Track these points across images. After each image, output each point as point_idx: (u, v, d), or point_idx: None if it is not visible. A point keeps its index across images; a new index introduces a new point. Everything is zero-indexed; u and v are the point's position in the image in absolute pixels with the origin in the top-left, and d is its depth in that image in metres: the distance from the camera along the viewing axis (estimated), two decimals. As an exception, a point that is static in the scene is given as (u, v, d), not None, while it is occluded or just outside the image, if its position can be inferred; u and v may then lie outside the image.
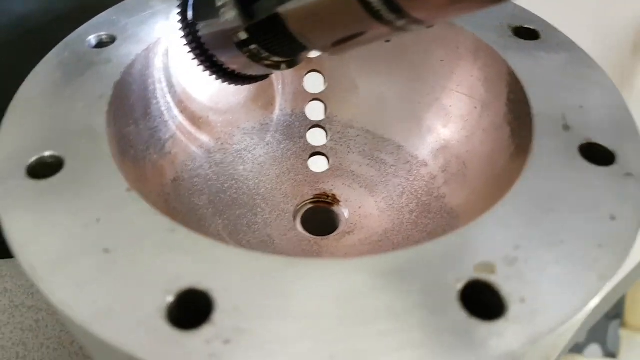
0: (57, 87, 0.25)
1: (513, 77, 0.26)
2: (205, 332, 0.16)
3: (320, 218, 0.35)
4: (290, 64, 0.25)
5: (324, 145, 0.36)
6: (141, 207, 0.20)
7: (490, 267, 0.19)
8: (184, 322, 0.17)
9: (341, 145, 0.36)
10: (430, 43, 0.31)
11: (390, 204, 0.33)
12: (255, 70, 0.26)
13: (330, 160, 0.36)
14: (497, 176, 0.27)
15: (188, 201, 0.29)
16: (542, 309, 0.17)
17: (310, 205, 0.35)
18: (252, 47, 0.23)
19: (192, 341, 0.16)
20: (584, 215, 0.20)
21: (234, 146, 0.34)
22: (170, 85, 0.30)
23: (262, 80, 0.28)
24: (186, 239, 0.19)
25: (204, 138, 0.32)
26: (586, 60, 0.27)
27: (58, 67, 0.26)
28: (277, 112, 0.35)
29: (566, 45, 0.28)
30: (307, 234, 0.33)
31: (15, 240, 0.19)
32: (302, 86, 0.36)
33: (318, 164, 0.36)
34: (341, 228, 0.33)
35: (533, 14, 0.30)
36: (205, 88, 0.32)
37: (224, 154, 0.33)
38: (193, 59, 0.25)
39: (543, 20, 0.30)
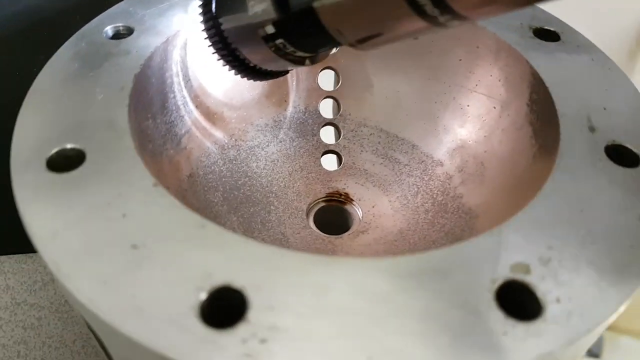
0: (75, 78, 0.24)
1: (536, 77, 0.26)
2: (241, 331, 0.16)
3: (333, 216, 0.34)
4: (314, 60, 0.25)
5: (337, 143, 0.36)
6: (169, 202, 0.19)
7: (525, 267, 0.18)
8: (217, 321, 0.16)
9: (354, 143, 0.35)
10: (449, 42, 0.31)
11: (405, 204, 0.33)
12: (277, 65, 0.25)
13: (343, 158, 0.35)
14: (519, 177, 0.26)
15: (203, 198, 0.29)
16: (578, 309, 0.17)
17: (322, 204, 0.34)
18: (279, 41, 0.23)
19: (227, 340, 0.16)
20: (613, 217, 0.20)
21: (247, 143, 0.33)
22: (187, 79, 0.29)
23: (281, 76, 0.28)
24: (217, 235, 0.18)
25: (218, 134, 0.32)
26: (607, 62, 0.27)
27: (75, 58, 0.25)
28: (290, 109, 0.35)
29: (587, 47, 0.28)
30: (321, 233, 0.32)
31: (37, 235, 0.18)
32: (317, 83, 0.35)
33: (331, 162, 0.36)
34: (355, 227, 0.33)
35: (552, 16, 0.30)
36: (220, 83, 0.32)
37: (238, 150, 0.33)
38: (214, 52, 0.25)
39: (562, 22, 0.30)
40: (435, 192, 0.32)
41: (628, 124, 0.24)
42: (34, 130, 0.22)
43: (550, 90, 0.25)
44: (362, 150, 0.35)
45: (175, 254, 0.18)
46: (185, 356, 0.16)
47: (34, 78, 0.24)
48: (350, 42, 0.21)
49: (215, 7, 0.24)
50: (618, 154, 0.23)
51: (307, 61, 0.25)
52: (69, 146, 0.21)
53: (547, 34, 0.29)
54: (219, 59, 0.25)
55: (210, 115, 0.31)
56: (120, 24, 0.27)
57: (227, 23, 0.24)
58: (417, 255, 0.18)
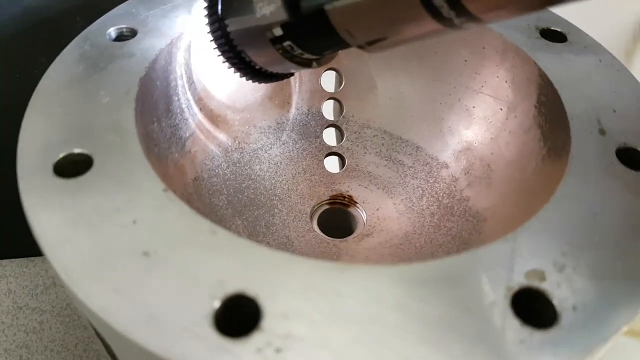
0: (79, 81, 0.24)
1: (545, 79, 0.26)
2: (255, 339, 0.16)
3: (337, 219, 0.34)
4: (320, 62, 0.25)
5: (340, 145, 0.35)
6: (179, 208, 0.19)
7: (540, 274, 0.18)
8: (231, 329, 0.16)
9: (357, 145, 0.35)
10: (454, 43, 0.31)
11: (410, 206, 0.32)
12: (283, 67, 0.25)
13: (347, 160, 0.35)
14: (528, 180, 0.26)
15: (208, 201, 0.28)
16: (594, 317, 0.17)
17: (326, 207, 0.34)
18: (286, 43, 0.22)
19: (242, 350, 0.16)
20: (627, 222, 0.20)
21: (251, 145, 0.33)
22: (191, 82, 0.29)
23: (286, 78, 0.27)
24: (228, 242, 0.18)
25: (222, 137, 0.31)
26: (615, 63, 0.27)
27: (79, 60, 0.25)
28: (293, 110, 0.35)
29: (594, 47, 0.28)
30: (325, 236, 0.32)
31: (46, 242, 0.18)
32: (319, 84, 0.35)
33: (334, 164, 0.36)
34: (359, 230, 0.33)
35: (559, 16, 0.30)
36: (223, 85, 0.31)
37: (241, 153, 0.32)
38: (219, 55, 0.25)
39: (569, 22, 0.30)
40: (441, 194, 0.32)
41: (638, 126, 0.24)
42: (40, 134, 0.22)
43: (559, 92, 0.25)
44: (365, 152, 0.35)
45: (187, 261, 0.17)
46: (201, 365, 0.15)
47: (35, 79, 0.24)
48: (360, 44, 0.21)
49: (222, 9, 0.24)
50: (629, 157, 0.23)
51: (314, 63, 0.24)
52: (76, 151, 0.21)
53: (554, 35, 0.29)
54: (224, 61, 0.25)
55: (213, 117, 0.31)
56: (123, 26, 0.27)
57: (234, 25, 0.24)
58: (431, 262, 0.18)
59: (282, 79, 0.27)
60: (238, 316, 0.17)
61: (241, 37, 0.24)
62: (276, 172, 0.34)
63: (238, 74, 0.25)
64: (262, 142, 0.33)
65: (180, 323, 0.16)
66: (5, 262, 0.39)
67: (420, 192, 0.33)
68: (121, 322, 0.16)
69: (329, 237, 0.32)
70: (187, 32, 0.28)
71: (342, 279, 0.17)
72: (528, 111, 0.28)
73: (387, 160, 0.34)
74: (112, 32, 0.27)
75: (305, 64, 0.24)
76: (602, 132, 0.24)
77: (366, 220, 0.33)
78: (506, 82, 0.29)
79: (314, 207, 0.34)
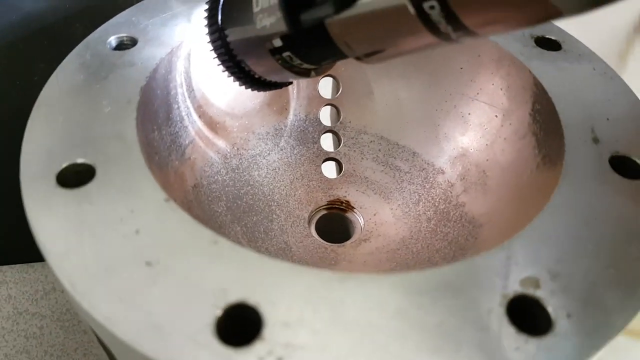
0: (81, 90, 0.24)
1: (539, 87, 0.26)
2: (257, 348, 0.16)
3: (334, 224, 0.34)
4: (318, 72, 0.25)
5: (338, 150, 0.36)
6: (181, 217, 0.19)
7: (535, 282, 0.18)
8: (232, 338, 0.16)
9: (354, 151, 0.36)
10: (450, 50, 0.31)
11: (406, 212, 0.33)
12: (282, 77, 0.25)
13: (344, 166, 0.35)
14: (523, 187, 0.27)
15: (208, 208, 0.29)
16: (588, 324, 0.17)
17: (324, 212, 0.34)
18: (285, 54, 0.23)
19: (244, 358, 0.16)
20: (622, 229, 0.20)
21: (249, 151, 0.33)
22: (190, 90, 0.29)
23: (284, 86, 0.28)
24: (230, 251, 0.18)
25: (221, 143, 0.32)
26: (608, 71, 0.28)
27: (81, 69, 0.25)
28: (291, 117, 0.35)
29: (588, 56, 0.29)
30: (323, 241, 0.32)
31: (51, 253, 0.18)
32: (317, 91, 0.35)
33: (331, 170, 0.36)
34: (356, 235, 0.33)
35: (553, 24, 0.30)
36: (222, 92, 0.32)
37: (240, 159, 0.33)
38: (219, 64, 0.25)
39: (562, 31, 0.30)
40: (437, 200, 0.32)
41: (631, 134, 0.24)
42: (43, 144, 0.22)
43: (553, 100, 0.26)
44: (362, 158, 0.35)
45: (189, 270, 0.18)
46: (204, 374, 0.16)
47: (35, 86, 0.24)
48: (358, 56, 0.21)
49: (222, 19, 0.24)
50: (622, 165, 0.23)
51: (313, 73, 0.25)
52: (79, 161, 0.21)
53: (549, 43, 0.29)
54: (223, 70, 0.25)
55: (213, 124, 0.31)
56: (124, 35, 0.27)
57: (233, 35, 0.24)
58: (430, 270, 0.18)
59: (281, 87, 0.27)
60: (240, 325, 0.17)
61: (241, 47, 0.24)
62: (274, 178, 0.34)
63: (237, 82, 0.26)
64: (260, 149, 0.34)
65: (183, 332, 0.16)
66: (5, 268, 0.39)
67: (417, 197, 0.33)
68: (126, 332, 0.16)
69: (326, 243, 0.32)
70: (187, 41, 0.28)
71: (343, 287, 0.18)
72: (523, 119, 0.28)
73: (383, 165, 0.35)
74: (113, 40, 0.27)
75: (304, 73, 0.24)
76: (596, 140, 0.24)
77: (363, 225, 0.33)
78: (501, 89, 0.30)
79: (311, 212, 0.34)
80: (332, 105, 0.36)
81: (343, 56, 0.22)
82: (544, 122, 0.26)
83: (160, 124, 0.26)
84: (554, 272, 0.19)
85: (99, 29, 0.28)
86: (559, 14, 0.14)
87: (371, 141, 0.35)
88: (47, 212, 0.19)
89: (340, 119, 0.36)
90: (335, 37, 0.20)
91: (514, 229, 0.20)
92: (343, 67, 0.35)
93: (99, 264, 0.18)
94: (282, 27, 0.21)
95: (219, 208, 0.29)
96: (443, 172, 0.33)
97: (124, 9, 0.29)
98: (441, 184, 0.32)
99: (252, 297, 0.17)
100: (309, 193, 0.34)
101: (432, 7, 0.16)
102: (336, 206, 0.35)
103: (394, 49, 0.20)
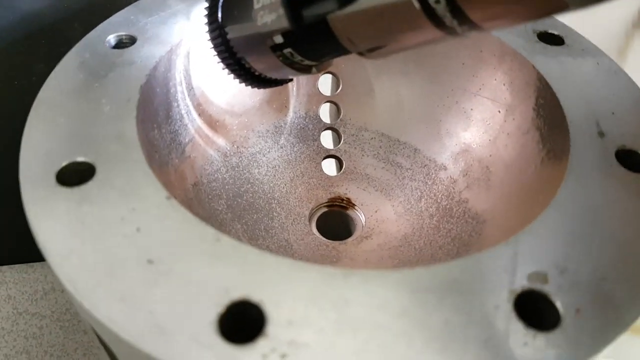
0: (81, 89, 0.24)
1: (543, 82, 0.26)
2: (260, 346, 0.16)
3: (335, 222, 0.34)
4: (319, 68, 0.25)
5: (338, 148, 0.36)
6: (183, 215, 0.19)
7: (543, 277, 0.18)
8: (235, 336, 0.16)
9: (355, 148, 0.35)
10: (452, 46, 0.31)
11: (408, 208, 0.33)
12: (282, 73, 0.25)
13: (344, 163, 0.35)
14: (528, 182, 0.26)
15: (208, 206, 0.28)
16: (597, 319, 0.17)
17: (325, 209, 0.34)
18: (286, 50, 0.22)
19: (248, 356, 0.16)
20: (627, 224, 0.20)
21: (249, 149, 0.33)
22: (190, 88, 0.29)
23: (285, 83, 0.27)
24: (232, 249, 0.18)
25: (221, 141, 0.31)
26: (612, 66, 0.27)
27: (80, 68, 0.25)
28: (291, 114, 0.35)
29: (591, 51, 0.28)
30: (324, 239, 0.32)
31: (51, 253, 0.18)
32: (317, 88, 0.35)
33: (332, 167, 0.36)
34: (358, 232, 0.33)
35: (555, 19, 0.30)
36: (222, 90, 0.31)
37: (240, 157, 0.32)
38: (219, 61, 0.25)
39: (565, 25, 0.30)
40: (440, 196, 0.32)
41: (637, 128, 0.24)
42: (42, 143, 0.22)
43: (557, 94, 0.25)
44: (363, 155, 0.35)
45: (191, 269, 0.18)
46: (208, 373, 0.15)
47: (34, 86, 0.24)
48: (361, 50, 0.21)
49: (222, 16, 0.24)
50: (629, 159, 0.23)
51: (314, 69, 0.24)
52: (79, 159, 0.21)
53: (552, 38, 0.29)
54: (224, 68, 0.25)
55: (212, 122, 0.31)
56: (123, 33, 0.27)
57: (234, 32, 0.24)
58: (435, 267, 0.18)
59: (281, 85, 0.27)
60: (243, 323, 0.17)
61: (241, 44, 0.24)
62: (274, 175, 0.34)
63: (237, 80, 0.26)
64: (260, 146, 0.34)
65: (186, 330, 0.16)
66: (4, 268, 0.39)
67: (419, 194, 0.33)
68: (128, 332, 0.16)
69: (328, 240, 0.32)
70: (186, 39, 0.28)
71: (346, 284, 0.17)
72: (526, 114, 0.28)
73: (385, 162, 0.35)
74: (112, 39, 0.27)
75: (305, 70, 0.24)
76: (601, 134, 0.24)
77: (365, 222, 0.33)
78: (504, 84, 0.29)
79: (312, 210, 0.34)
80: (332, 102, 0.36)
81: (345, 52, 0.21)
82: (548, 117, 0.26)
83: (160, 123, 0.26)
84: (562, 267, 0.19)
85: (98, 27, 0.28)
86: (565, 6, 0.14)
87: (372, 138, 0.35)
88: (47, 212, 0.19)
89: (341, 116, 0.36)
90: (337, 33, 0.20)
91: (519, 225, 0.20)
92: (343, 63, 0.35)
93: (100, 263, 0.18)
94: (284, 23, 0.21)
95: (219, 206, 0.29)
96: (445, 169, 0.32)
97: (122, 8, 0.29)
98: (443, 180, 0.32)
99: (255, 295, 0.17)
100: (309, 190, 0.34)
101: (437, 2, 0.16)
102: (337, 203, 0.34)
103: (398, 44, 0.20)
